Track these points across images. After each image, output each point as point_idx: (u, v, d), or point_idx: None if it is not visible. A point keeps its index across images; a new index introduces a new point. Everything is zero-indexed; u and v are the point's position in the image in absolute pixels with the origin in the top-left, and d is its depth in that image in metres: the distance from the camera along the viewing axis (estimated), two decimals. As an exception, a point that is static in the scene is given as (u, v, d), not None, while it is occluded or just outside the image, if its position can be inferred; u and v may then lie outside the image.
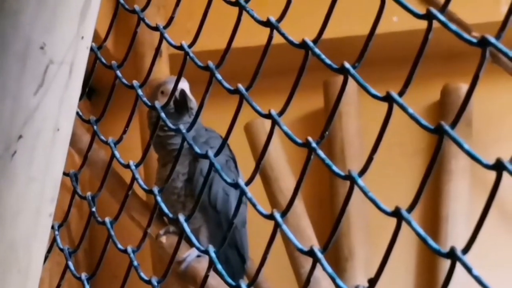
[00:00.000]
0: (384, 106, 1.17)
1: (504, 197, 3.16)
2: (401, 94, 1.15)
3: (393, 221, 1.14)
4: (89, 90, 3.99)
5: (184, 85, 2.75)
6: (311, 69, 1.32)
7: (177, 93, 2.72)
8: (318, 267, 1.20)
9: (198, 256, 2.62)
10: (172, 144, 2.73)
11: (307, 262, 1.19)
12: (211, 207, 2.76)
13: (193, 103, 2.77)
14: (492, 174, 1.02)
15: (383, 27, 1.24)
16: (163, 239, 2.72)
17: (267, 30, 1.37)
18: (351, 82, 1.22)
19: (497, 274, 2.44)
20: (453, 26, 1.10)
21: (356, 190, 1.18)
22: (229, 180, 1.36)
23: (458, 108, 1.07)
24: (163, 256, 2.78)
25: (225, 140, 1.41)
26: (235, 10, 1.44)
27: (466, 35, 1.07)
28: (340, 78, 1.23)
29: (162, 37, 1.59)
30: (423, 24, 1.15)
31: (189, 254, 2.64)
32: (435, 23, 1.13)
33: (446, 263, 1.05)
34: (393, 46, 3.57)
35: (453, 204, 3.53)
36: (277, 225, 1.26)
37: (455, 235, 3.44)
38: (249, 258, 2.91)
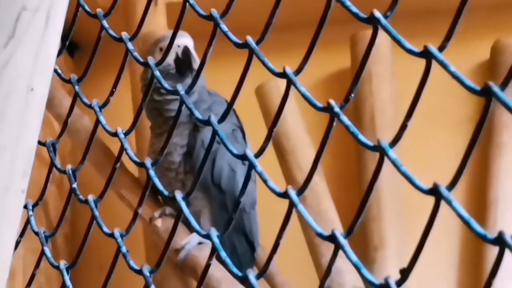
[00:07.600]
0: (423, 65, 1.16)
1: None
2: (441, 48, 1.15)
3: (430, 201, 1.13)
4: (72, 45, 3.99)
5: (187, 41, 2.73)
6: (335, 21, 1.30)
7: (179, 51, 2.71)
8: (342, 257, 1.19)
9: (200, 243, 2.62)
10: (170, 111, 2.72)
11: (329, 250, 1.19)
12: (214, 186, 2.75)
13: (197, 64, 2.76)
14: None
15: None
16: (158, 222, 2.72)
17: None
18: (383, 36, 1.21)
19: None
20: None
21: (388, 166, 1.17)
22: (235, 152, 1.35)
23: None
24: (158, 243, 2.78)
25: (230, 104, 1.41)
26: None
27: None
28: (370, 32, 1.22)
29: (156, -20, 1.58)
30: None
31: (188, 241, 2.64)
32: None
33: (494, 250, 1.05)
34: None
35: (504, 183, 3.51)
36: (292, 205, 1.25)
37: (506, 219, 3.42)
38: (260, 245, 2.91)
